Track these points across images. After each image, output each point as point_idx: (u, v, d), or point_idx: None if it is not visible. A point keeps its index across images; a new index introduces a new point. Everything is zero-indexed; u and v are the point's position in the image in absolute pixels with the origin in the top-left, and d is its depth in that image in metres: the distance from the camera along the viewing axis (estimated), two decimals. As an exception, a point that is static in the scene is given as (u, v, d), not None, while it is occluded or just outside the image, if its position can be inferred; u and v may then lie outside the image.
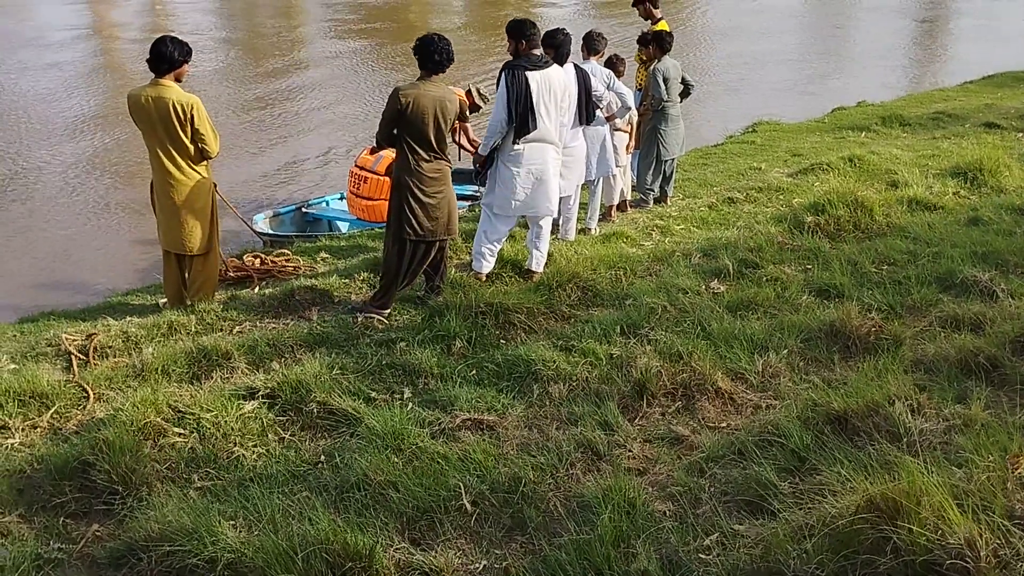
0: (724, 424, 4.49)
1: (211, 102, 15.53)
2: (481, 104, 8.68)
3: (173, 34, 6.21)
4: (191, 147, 6.00)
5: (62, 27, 22.79)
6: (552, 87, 6.23)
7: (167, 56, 5.85)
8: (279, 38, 22.25)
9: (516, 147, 6.26)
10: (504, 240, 6.67)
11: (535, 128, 6.20)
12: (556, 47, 6.69)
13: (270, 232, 9.05)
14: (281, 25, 24.48)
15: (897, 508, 3.01)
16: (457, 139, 6.58)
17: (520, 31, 6.23)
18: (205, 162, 6.15)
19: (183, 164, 6.03)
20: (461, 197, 9.47)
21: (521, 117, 6.16)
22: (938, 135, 11.99)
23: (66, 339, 5.70)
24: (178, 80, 5.99)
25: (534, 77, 6.15)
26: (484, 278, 6.50)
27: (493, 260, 6.59)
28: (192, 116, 5.90)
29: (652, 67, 8.34)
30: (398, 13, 25.92)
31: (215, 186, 6.34)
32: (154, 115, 5.89)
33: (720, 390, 4.74)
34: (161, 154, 6.01)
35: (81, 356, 5.51)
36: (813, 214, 7.49)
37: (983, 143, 10.32)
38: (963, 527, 2.88)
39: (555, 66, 6.38)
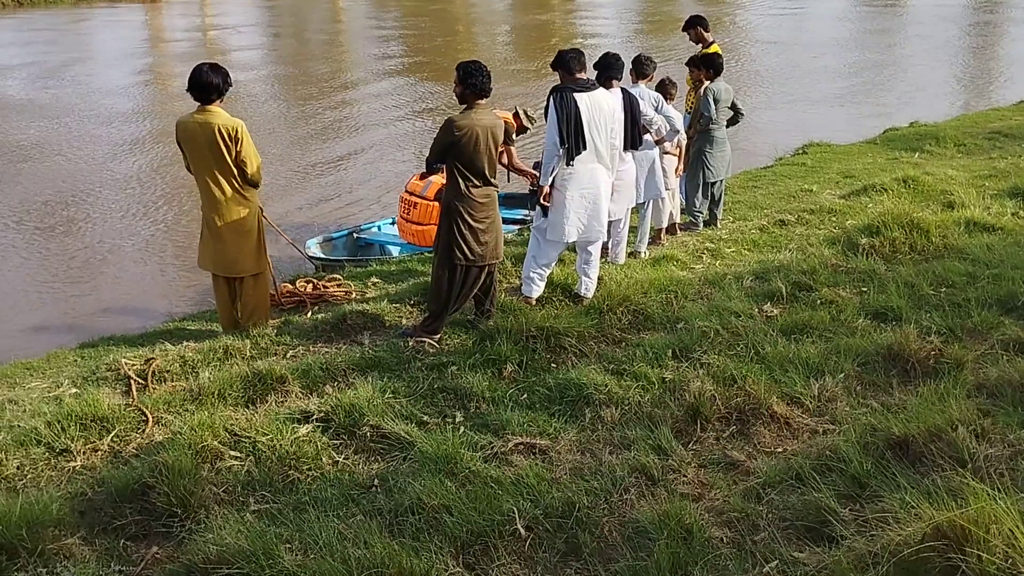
0: (780, 449, 4.42)
1: (262, 127, 15.86)
2: (529, 126, 8.76)
3: (216, 60, 6.37)
4: (236, 170, 6.13)
5: (118, 54, 23.47)
6: (601, 110, 6.25)
7: (212, 84, 6.00)
8: (328, 64, 22.64)
9: (568, 170, 6.28)
10: (553, 264, 6.67)
11: (586, 149, 6.22)
12: (604, 69, 6.75)
13: (321, 256, 9.17)
14: (330, 53, 24.92)
15: (966, 535, 2.93)
16: (505, 162, 6.63)
17: (561, 60, 6.32)
18: (251, 187, 6.26)
19: (230, 188, 6.15)
20: (510, 221, 9.53)
21: (572, 138, 6.19)
22: (994, 155, 11.76)
23: (125, 364, 5.81)
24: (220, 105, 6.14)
25: (582, 99, 6.18)
26: (534, 302, 6.50)
27: (543, 284, 6.58)
28: (239, 139, 6.03)
29: (704, 87, 8.32)
30: (445, 43, 26.23)
31: (261, 210, 6.44)
32: (202, 140, 6.04)
33: (775, 414, 4.67)
34: (208, 179, 6.15)
35: (140, 380, 5.61)
36: (867, 236, 7.39)
37: (1041, 163, 10.11)
38: (1035, 555, 2.80)
39: (602, 89, 6.40)
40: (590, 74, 6.47)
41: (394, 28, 28.89)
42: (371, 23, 30.51)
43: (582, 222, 6.39)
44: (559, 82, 6.35)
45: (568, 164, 6.25)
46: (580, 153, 6.22)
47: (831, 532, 3.47)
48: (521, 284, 6.64)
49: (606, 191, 6.47)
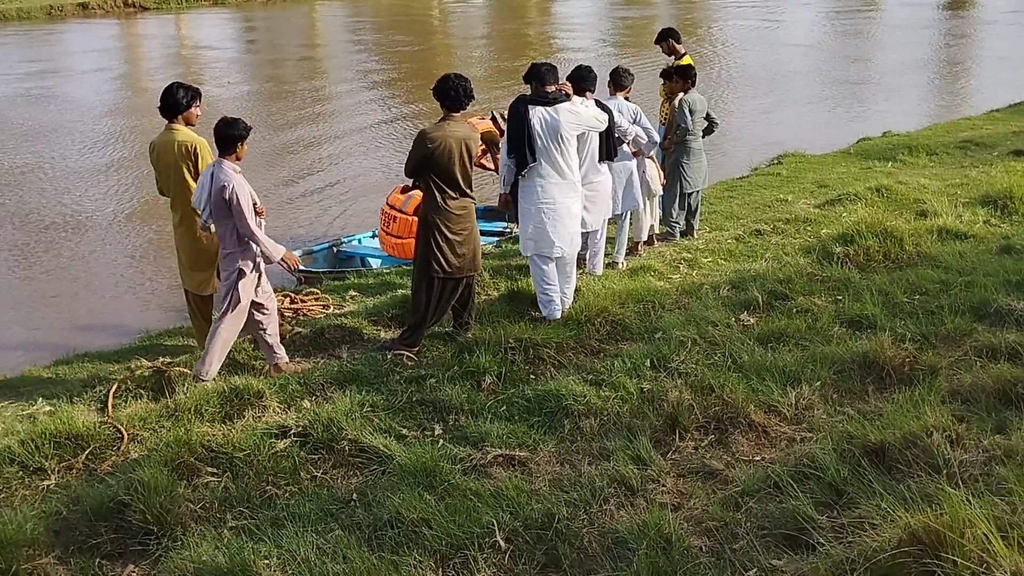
0: (758, 457, 4.44)
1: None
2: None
3: (183, 80, 6.36)
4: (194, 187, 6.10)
5: (92, 69, 23.33)
6: (563, 122, 6.23)
7: (176, 101, 6.01)
8: (306, 77, 22.62)
9: (524, 182, 6.32)
10: (556, 280, 6.52)
11: (535, 161, 6.22)
12: (577, 81, 6.79)
13: (302, 269, 9.14)
14: (308, 66, 24.88)
15: (940, 541, 2.96)
16: (492, 167, 6.67)
17: (536, 72, 6.37)
18: None
19: (187, 205, 6.13)
20: (489, 233, 9.55)
21: (518, 150, 6.21)
22: (966, 164, 11.90)
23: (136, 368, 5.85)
24: (189, 124, 6.14)
25: (536, 112, 6.18)
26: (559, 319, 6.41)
27: (559, 301, 6.48)
28: (195, 156, 6.01)
29: (679, 99, 8.37)
30: (424, 57, 26.28)
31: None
32: (163, 158, 6.05)
33: (753, 423, 4.70)
34: (173, 197, 6.18)
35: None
36: (842, 245, 7.45)
37: (1012, 171, 10.23)
38: (1009, 559, 2.83)
39: (568, 102, 6.37)
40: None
41: (371, 39, 28.92)
42: (348, 36, 30.54)
43: (546, 236, 6.35)
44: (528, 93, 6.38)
45: (520, 175, 6.28)
46: (529, 165, 6.21)
47: (809, 540, 3.49)
48: (542, 311, 6.49)
49: (568, 207, 6.40)
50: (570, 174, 6.37)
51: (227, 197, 5.53)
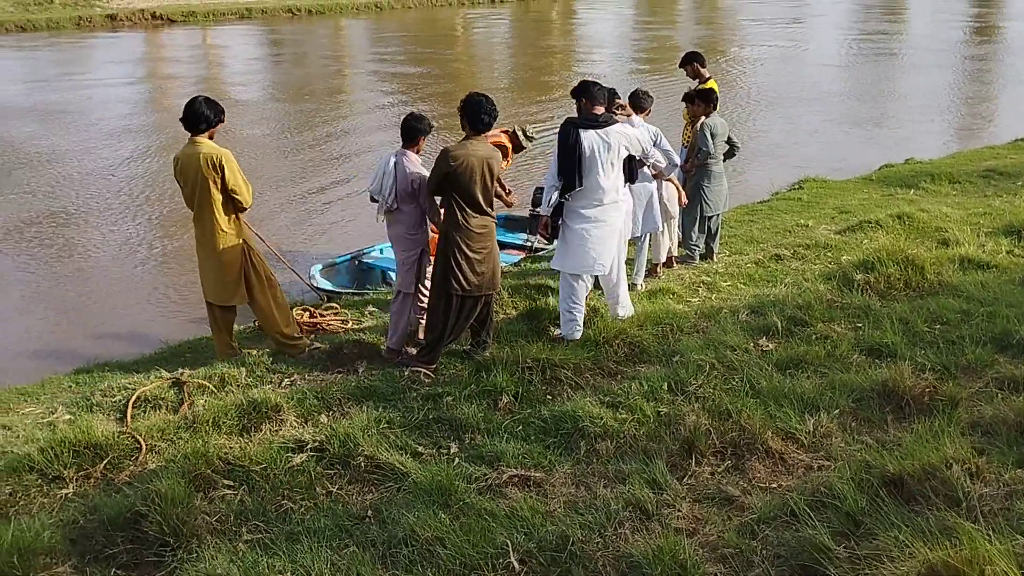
0: (775, 485, 4.42)
1: (264, 154, 15.92)
2: (527, 144, 8.77)
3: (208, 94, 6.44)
4: (220, 200, 6.17)
5: (120, 80, 23.61)
6: (613, 145, 6.24)
7: (203, 116, 6.09)
8: (330, 91, 22.79)
9: (572, 204, 6.32)
10: (583, 302, 6.57)
11: (582, 185, 6.23)
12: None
13: (321, 288, 9.20)
14: (332, 80, 25.08)
15: (959, 576, 2.93)
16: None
17: (587, 89, 6.37)
18: (234, 215, 6.30)
19: (213, 218, 6.21)
20: (511, 245, 9.59)
21: (568, 173, 6.21)
22: (989, 193, 11.83)
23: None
24: (210, 138, 6.20)
25: (587, 136, 6.19)
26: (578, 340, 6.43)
27: (582, 322, 6.49)
28: (222, 168, 6.07)
29: (700, 122, 8.39)
30: (449, 70, 26.43)
31: (246, 243, 6.45)
32: (189, 172, 6.10)
33: (770, 450, 4.67)
34: (197, 209, 6.24)
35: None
36: (862, 272, 7.42)
37: (1036, 201, 10.17)
38: (1029, 597, 2.79)
39: (618, 124, 6.40)
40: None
41: (396, 53, 29.11)
42: (373, 50, 30.76)
43: (587, 255, 6.38)
44: (575, 113, 6.42)
45: (566, 198, 6.29)
46: (576, 189, 6.23)
47: (825, 570, 3.47)
48: (561, 330, 6.53)
49: (612, 224, 6.43)
50: (614, 193, 6.40)
51: (417, 186, 6.17)
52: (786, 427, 4.86)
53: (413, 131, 6.27)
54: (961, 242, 8.36)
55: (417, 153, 6.34)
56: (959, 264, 7.72)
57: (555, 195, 6.34)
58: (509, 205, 6.77)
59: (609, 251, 6.46)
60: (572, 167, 6.19)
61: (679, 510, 4.19)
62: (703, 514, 4.18)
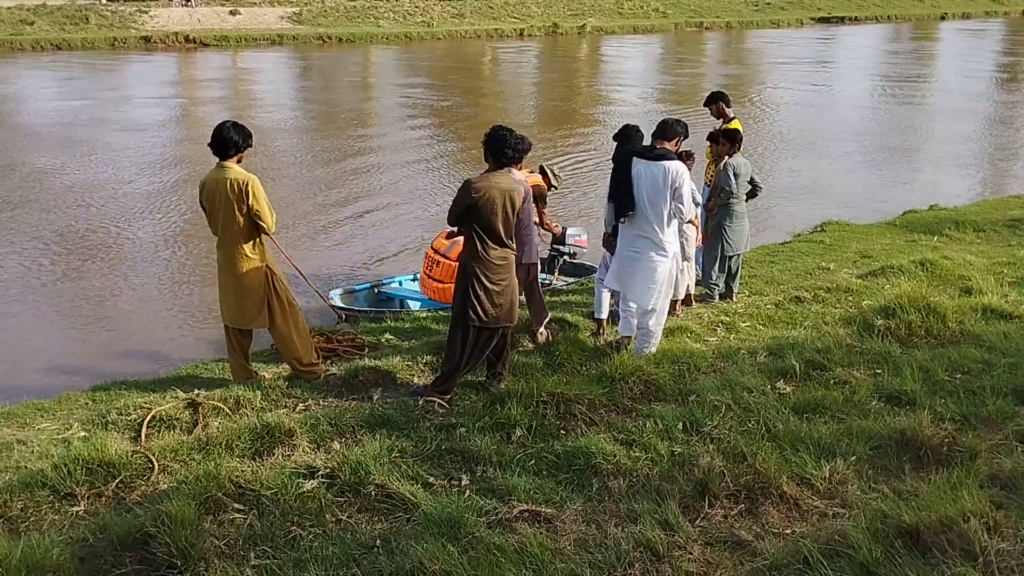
0: (788, 531, 4.36)
1: (290, 182, 16.06)
2: (556, 184, 8.87)
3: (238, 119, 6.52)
4: (245, 225, 6.21)
5: (150, 103, 23.95)
6: (659, 177, 6.52)
7: (231, 141, 6.15)
8: (357, 120, 23.00)
9: (625, 229, 6.76)
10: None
11: (633, 209, 6.59)
12: (624, 141, 6.93)
13: (343, 307, 9.26)
14: (360, 109, 25.33)
15: (974, 633, 2.87)
16: (537, 221, 7.02)
17: (663, 129, 6.83)
18: (258, 240, 6.35)
19: (238, 242, 6.26)
20: None
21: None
22: (1014, 242, 11.74)
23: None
24: (238, 163, 6.26)
25: (637, 164, 6.56)
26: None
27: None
28: (248, 193, 6.12)
29: (724, 162, 8.41)
30: (476, 102, 26.63)
31: (270, 268, 6.49)
32: (216, 196, 6.15)
33: (785, 494, 4.62)
34: (221, 233, 6.29)
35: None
36: (883, 317, 7.36)
37: (1062, 252, 10.08)
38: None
39: (668, 161, 6.58)
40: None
41: (424, 84, 29.38)
42: (401, 81, 31.07)
43: (625, 282, 6.84)
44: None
45: (620, 220, 6.73)
46: (625, 212, 6.63)
47: (837, 620, 3.41)
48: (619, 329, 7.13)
49: (654, 265, 6.72)
50: (658, 232, 6.66)
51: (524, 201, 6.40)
52: (801, 472, 4.80)
53: (522, 152, 6.54)
54: (984, 291, 8.29)
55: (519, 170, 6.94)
56: (981, 313, 7.65)
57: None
58: (556, 233, 7.72)
59: (643, 289, 6.77)
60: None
61: (690, 553, 4.14)
62: (715, 557, 4.12)
